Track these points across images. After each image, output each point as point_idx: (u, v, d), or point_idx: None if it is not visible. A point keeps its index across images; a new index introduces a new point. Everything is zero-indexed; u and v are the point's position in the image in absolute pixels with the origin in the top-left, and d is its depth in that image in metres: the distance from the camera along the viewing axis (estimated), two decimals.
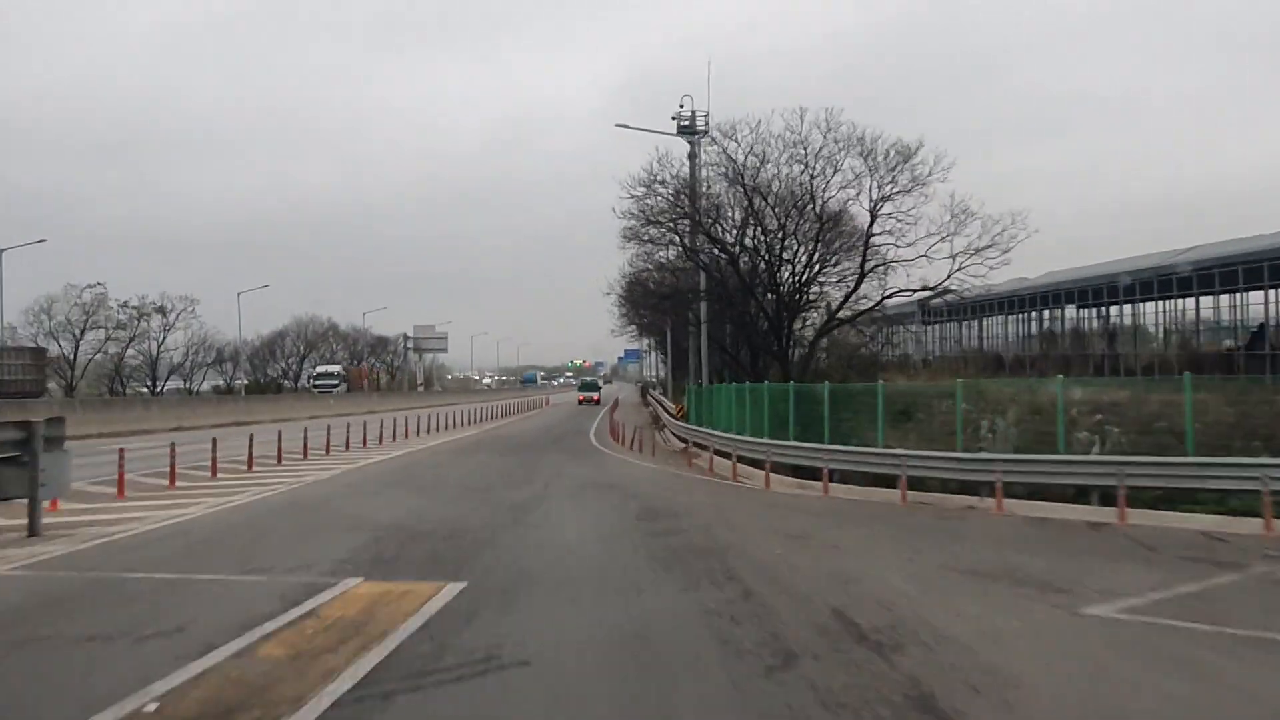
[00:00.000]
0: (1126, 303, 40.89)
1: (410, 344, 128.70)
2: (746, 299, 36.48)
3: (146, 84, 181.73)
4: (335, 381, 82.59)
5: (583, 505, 15.75)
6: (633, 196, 33.57)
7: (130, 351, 74.77)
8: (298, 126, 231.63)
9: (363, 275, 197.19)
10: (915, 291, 30.21)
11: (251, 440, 22.53)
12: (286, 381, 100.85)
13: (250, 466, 21.06)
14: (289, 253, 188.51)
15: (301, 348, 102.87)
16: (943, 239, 28.55)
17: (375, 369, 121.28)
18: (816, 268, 32.91)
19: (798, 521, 14.14)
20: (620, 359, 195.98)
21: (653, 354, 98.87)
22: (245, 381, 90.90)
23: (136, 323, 73.96)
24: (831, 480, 18.22)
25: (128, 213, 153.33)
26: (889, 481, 16.84)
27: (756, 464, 21.42)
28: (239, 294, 78.66)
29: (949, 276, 28.75)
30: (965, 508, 15.28)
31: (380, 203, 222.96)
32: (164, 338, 77.82)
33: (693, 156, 35.84)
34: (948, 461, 16.29)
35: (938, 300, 35.06)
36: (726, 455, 23.72)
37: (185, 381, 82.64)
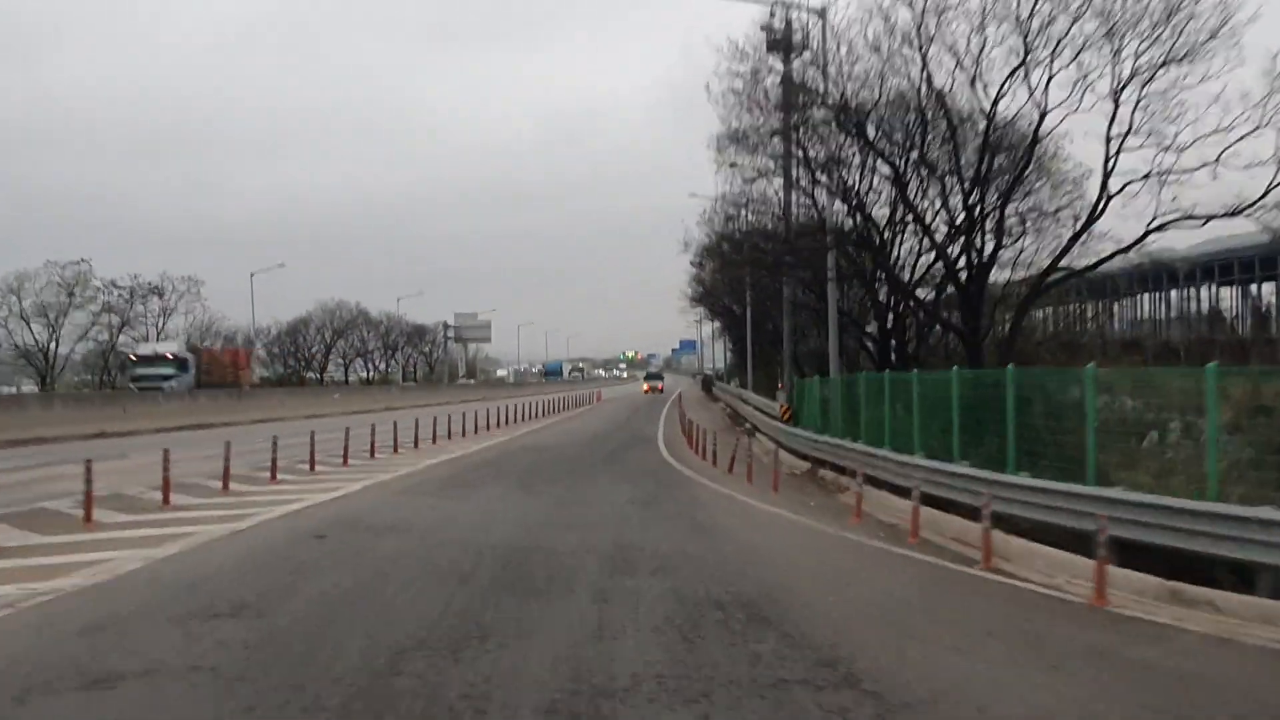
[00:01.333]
0: None
1: (451, 333, 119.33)
2: (885, 256, 25.08)
3: (196, 85, 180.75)
4: (169, 372, 49.61)
5: None
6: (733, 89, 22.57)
7: (123, 339, 65.64)
8: (344, 125, 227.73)
9: (408, 270, 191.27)
10: (1206, 221, 18.32)
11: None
12: (311, 374, 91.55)
13: None
14: (334, 247, 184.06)
15: (328, 336, 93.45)
16: (1253, 131, 16.86)
17: (413, 359, 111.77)
18: (997, 209, 21.20)
19: None
20: (674, 350, 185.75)
21: (719, 341, 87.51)
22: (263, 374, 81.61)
23: (129, 306, 64.78)
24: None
25: (176, 210, 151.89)
26: None
27: (970, 513, 10.25)
28: (252, 274, 68.26)
29: (1268, 191, 17.01)
30: None
31: (425, 198, 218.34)
32: (163, 323, 68.72)
33: (787, 79, 24.33)
34: None
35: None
36: (904, 492, 12.54)
37: None
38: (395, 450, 23.25)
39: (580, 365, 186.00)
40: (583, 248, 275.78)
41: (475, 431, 30.40)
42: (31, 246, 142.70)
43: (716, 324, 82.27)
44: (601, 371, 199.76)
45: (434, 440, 26.10)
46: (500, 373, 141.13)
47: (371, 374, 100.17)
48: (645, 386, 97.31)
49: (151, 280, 65.97)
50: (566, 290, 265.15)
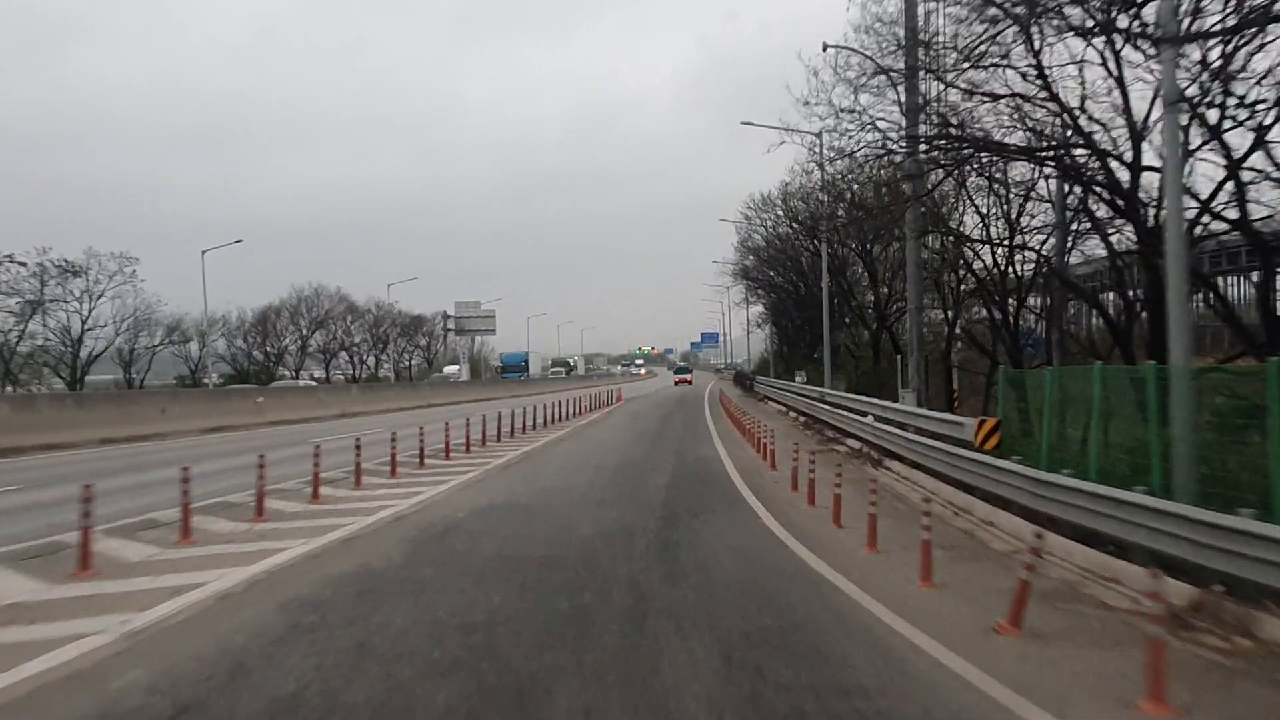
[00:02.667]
0: None
1: (450, 324, 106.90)
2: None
3: (218, 81, 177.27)
4: None
5: None
6: None
7: (35, 328, 53.69)
8: (361, 120, 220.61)
9: (417, 264, 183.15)
10: None
11: None
12: (285, 371, 79.41)
13: None
14: (344, 240, 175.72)
15: (305, 327, 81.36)
16: None
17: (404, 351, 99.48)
18: None
19: None
20: (694, 345, 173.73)
21: (760, 329, 74.75)
22: (217, 376, 69.54)
23: (41, 287, 52.79)
24: None
25: (205, 205, 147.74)
26: None
27: None
28: (204, 251, 56.21)
29: None
30: None
31: (441, 192, 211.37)
32: (91, 309, 56.74)
33: None
34: None
35: None
36: None
37: (127, 370, 61.43)
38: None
39: (569, 361, 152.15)
40: (599, 242, 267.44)
41: (420, 464, 17.93)
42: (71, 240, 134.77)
43: (757, 308, 69.76)
44: (618, 368, 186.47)
45: (258, 514, 12.60)
46: (450, 369, 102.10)
47: (358, 370, 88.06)
48: (675, 379, 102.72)
49: (69, 258, 54.03)
50: (581, 285, 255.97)
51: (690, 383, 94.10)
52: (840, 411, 24.37)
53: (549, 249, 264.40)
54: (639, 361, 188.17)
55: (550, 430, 27.17)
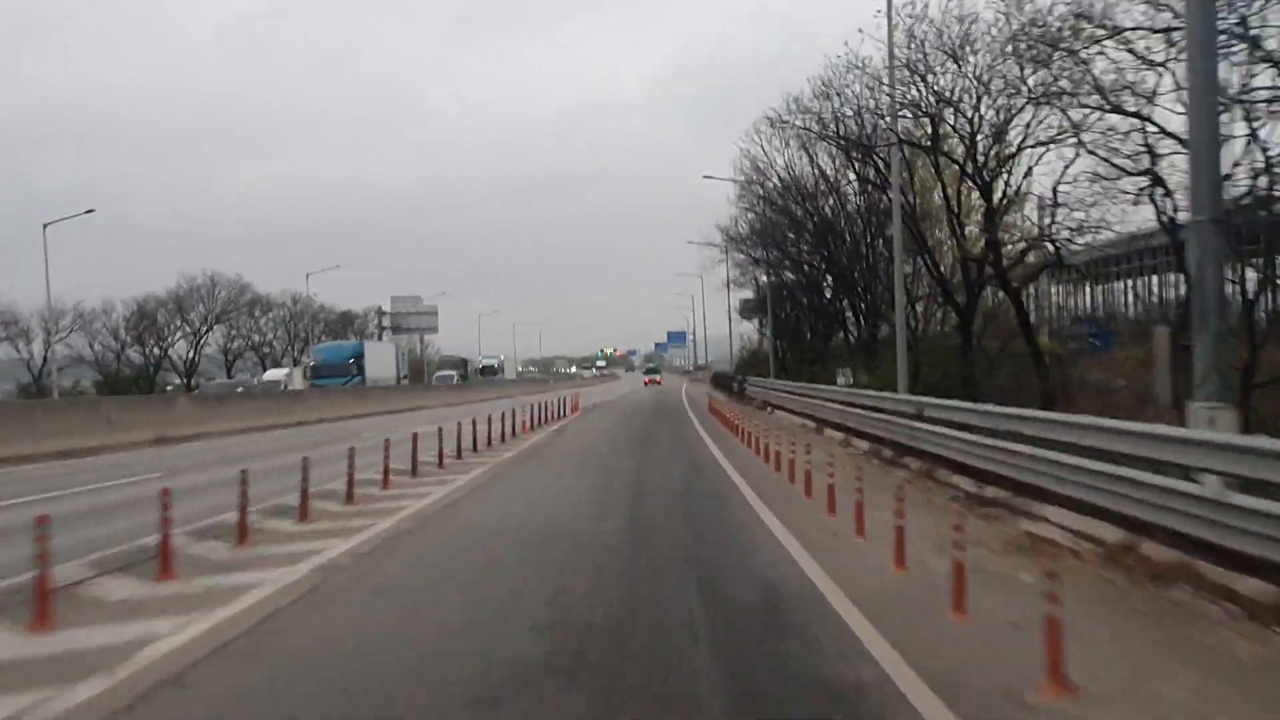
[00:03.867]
0: None
1: (385, 321, 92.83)
2: None
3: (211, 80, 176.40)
4: None
5: None
6: None
7: None
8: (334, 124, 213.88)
9: (378, 267, 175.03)
10: None
11: None
12: (175, 378, 65.67)
13: None
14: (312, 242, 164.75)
15: (199, 321, 67.54)
16: None
17: None
18: None
19: None
20: (658, 345, 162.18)
21: (751, 321, 62.22)
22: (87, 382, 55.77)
23: None
24: None
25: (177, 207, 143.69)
26: None
27: None
28: (45, 225, 43.28)
29: None
30: None
31: (411, 195, 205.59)
32: None
33: None
34: None
35: None
36: None
37: None
38: None
39: (467, 361, 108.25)
40: (563, 245, 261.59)
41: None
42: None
43: (746, 292, 57.43)
44: (573, 369, 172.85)
45: None
46: (274, 373, 59.45)
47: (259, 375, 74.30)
48: (645, 379, 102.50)
49: None
50: (544, 288, 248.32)
51: (660, 383, 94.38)
52: (971, 440, 12.02)
53: (511, 252, 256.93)
54: (599, 363, 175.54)
55: (462, 471, 14.65)
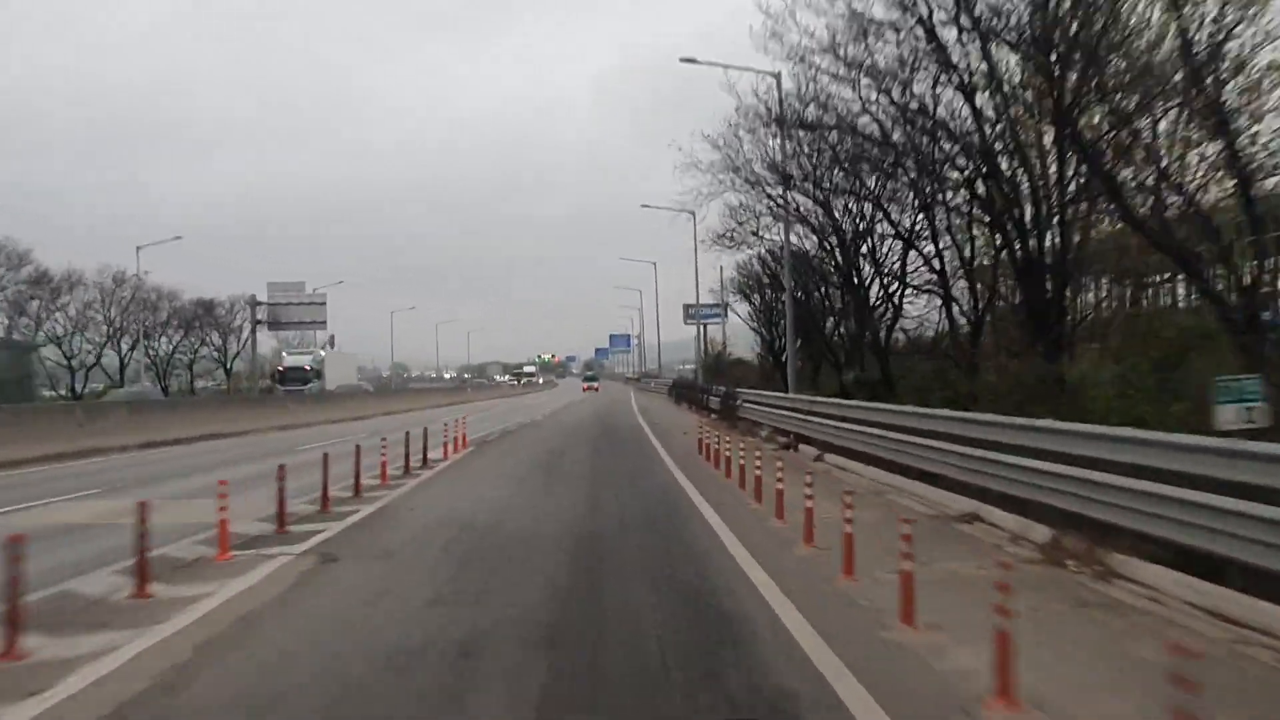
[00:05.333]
0: None
1: (260, 313, 73.73)
2: None
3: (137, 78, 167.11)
4: None
5: None
6: None
7: None
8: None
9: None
10: None
11: None
12: None
13: None
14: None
15: None
16: None
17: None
18: None
19: None
20: (599, 350, 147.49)
21: (738, 320, 46.55)
22: None
23: None
24: None
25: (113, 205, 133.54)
26: None
27: None
28: None
29: None
30: None
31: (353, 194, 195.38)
32: None
33: None
34: None
35: None
36: None
37: None
38: None
39: (299, 363, 76.60)
40: (499, 252, 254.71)
41: None
42: None
43: (729, 269, 41.91)
44: (504, 377, 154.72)
45: None
46: None
47: (83, 385, 56.36)
48: (584, 386, 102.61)
49: None
50: (479, 293, 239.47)
51: (598, 389, 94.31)
52: None
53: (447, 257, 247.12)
54: (528, 369, 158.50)
55: None
